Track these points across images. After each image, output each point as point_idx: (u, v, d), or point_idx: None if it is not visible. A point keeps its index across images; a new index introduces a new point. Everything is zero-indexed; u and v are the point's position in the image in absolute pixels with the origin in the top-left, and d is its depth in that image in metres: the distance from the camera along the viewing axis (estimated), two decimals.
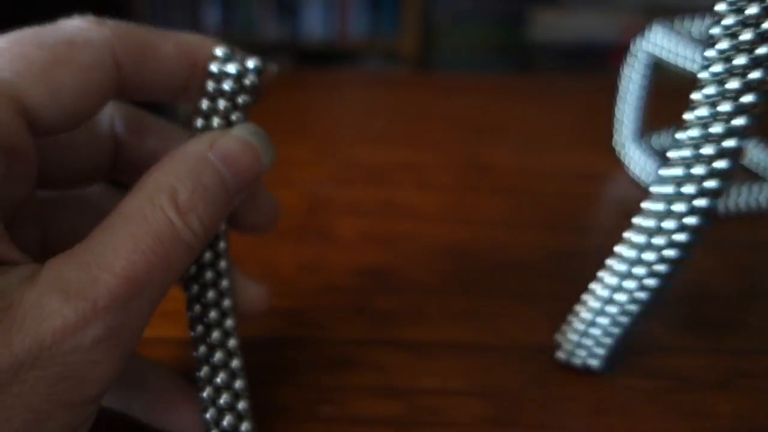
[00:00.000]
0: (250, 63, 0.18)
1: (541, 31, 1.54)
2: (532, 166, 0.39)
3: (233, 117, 0.19)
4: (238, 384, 0.18)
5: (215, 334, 0.18)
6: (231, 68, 0.18)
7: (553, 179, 0.37)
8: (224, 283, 0.19)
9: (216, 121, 0.19)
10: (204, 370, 0.18)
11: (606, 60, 1.47)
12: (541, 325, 0.25)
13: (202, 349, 0.18)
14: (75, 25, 0.16)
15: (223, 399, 0.18)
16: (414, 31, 1.47)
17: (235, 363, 0.18)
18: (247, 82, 0.18)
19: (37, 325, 0.13)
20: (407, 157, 0.40)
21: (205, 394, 0.18)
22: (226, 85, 0.18)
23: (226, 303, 0.19)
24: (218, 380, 0.18)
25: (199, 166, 0.16)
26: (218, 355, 0.18)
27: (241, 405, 0.18)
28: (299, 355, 0.23)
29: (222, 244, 0.19)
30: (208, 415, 0.18)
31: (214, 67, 0.18)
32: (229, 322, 0.19)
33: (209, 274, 0.19)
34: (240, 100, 0.19)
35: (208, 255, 0.19)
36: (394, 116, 0.47)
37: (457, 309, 0.26)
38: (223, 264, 0.19)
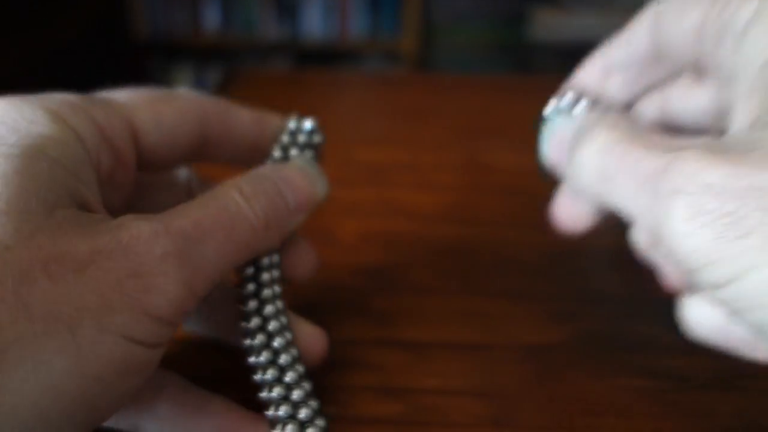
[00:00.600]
0: (316, 124, 0.22)
1: (541, 31, 1.54)
2: (532, 166, 0.39)
3: None
4: (307, 385, 0.19)
5: (277, 341, 0.19)
6: (308, 125, 0.22)
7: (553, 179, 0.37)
8: (277, 287, 0.20)
9: None
10: (270, 372, 0.19)
11: None
12: (541, 325, 0.25)
13: (267, 355, 0.19)
14: (174, 89, 0.21)
15: (296, 395, 0.19)
16: (414, 31, 1.47)
17: (300, 367, 0.19)
18: (316, 139, 0.22)
19: (117, 231, 0.15)
20: (407, 157, 0.40)
21: (275, 393, 0.19)
22: (301, 138, 0.22)
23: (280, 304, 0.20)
24: (287, 379, 0.19)
25: (262, 178, 0.19)
26: (284, 357, 0.19)
27: (313, 403, 0.19)
28: None
29: (275, 257, 0.20)
30: (281, 412, 0.18)
31: (292, 124, 0.22)
32: (284, 319, 0.20)
33: (265, 276, 0.20)
34: (307, 153, 0.22)
35: (265, 260, 0.20)
36: (394, 116, 0.47)
37: (457, 309, 0.26)
38: (276, 273, 0.20)
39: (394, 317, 0.26)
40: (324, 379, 0.22)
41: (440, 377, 0.23)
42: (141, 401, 0.19)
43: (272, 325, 0.19)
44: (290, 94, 0.51)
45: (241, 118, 0.21)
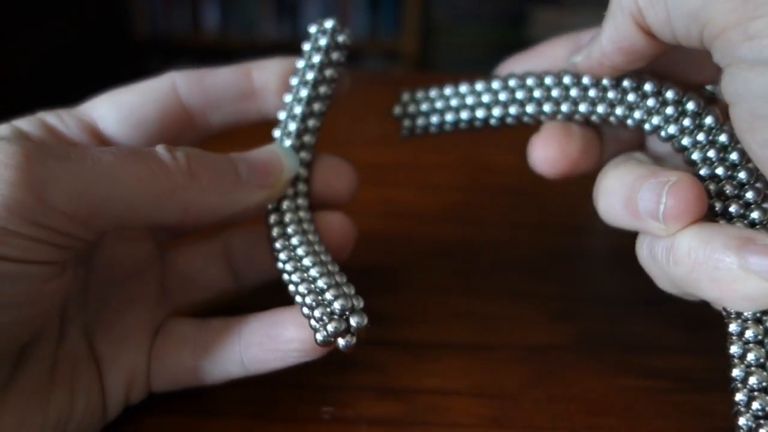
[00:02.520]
0: (336, 23, 0.21)
1: (541, 31, 1.54)
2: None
3: (327, 73, 0.21)
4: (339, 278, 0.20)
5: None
6: (328, 24, 0.21)
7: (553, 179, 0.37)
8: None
9: (310, 75, 0.21)
10: (296, 275, 0.19)
11: None
12: (541, 325, 0.25)
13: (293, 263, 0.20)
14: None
15: (330, 294, 0.19)
16: (414, 31, 1.47)
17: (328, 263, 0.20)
18: (340, 38, 0.21)
19: None
20: (407, 157, 0.40)
21: (304, 290, 0.19)
22: (322, 41, 0.21)
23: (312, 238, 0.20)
24: (317, 279, 0.19)
25: (219, 155, 0.19)
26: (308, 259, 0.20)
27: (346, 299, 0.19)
28: None
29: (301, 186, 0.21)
30: (313, 305, 0.18)
31: (312, 29, 0.21)
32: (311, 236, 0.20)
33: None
34: (334, 56, 0.21)
35: (285, 203, 0.21)
36: None
37: (457, 309, 0.26)
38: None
39: (394, 317, 0.26)
40: (324, 379, 0.22)
41: (440, 377, 0.23)
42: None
43: (295, 239, 0.20)
44: None
45: (218, 74, 0.21)
